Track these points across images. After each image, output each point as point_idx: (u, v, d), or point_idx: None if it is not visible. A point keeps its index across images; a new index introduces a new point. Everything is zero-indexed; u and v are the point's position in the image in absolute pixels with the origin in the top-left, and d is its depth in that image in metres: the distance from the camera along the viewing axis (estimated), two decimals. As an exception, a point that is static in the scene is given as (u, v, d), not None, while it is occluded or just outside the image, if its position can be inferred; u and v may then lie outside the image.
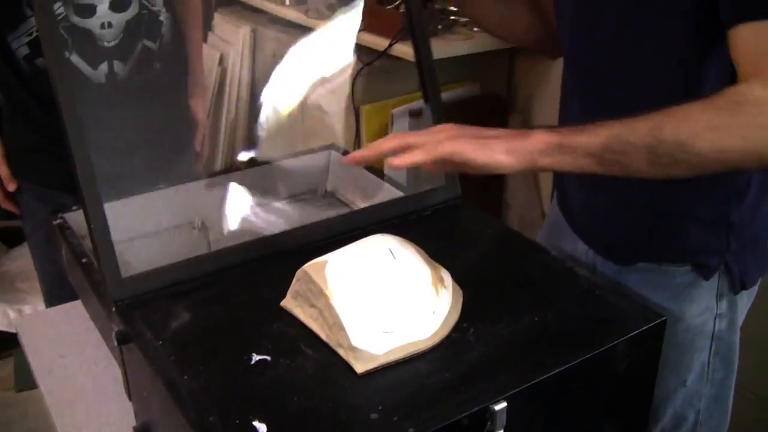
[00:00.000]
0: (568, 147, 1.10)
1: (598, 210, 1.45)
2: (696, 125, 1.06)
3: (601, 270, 1.46)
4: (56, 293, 1.88)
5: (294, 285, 1.13)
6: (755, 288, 1.44)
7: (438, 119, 1.45)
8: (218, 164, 3.60)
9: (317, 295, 1.07)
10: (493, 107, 3.11)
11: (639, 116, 1.09)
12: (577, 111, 1.43)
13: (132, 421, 1.25)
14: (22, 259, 3.46)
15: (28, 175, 1.89)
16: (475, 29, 2.84)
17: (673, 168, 1.08)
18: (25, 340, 1.53)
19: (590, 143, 1.09)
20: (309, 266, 1.10)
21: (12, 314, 3.02)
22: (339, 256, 1.11)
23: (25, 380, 1.48)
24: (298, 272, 1.12)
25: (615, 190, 1.39)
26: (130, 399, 1.25)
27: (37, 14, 1.18)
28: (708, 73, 1.22)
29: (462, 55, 2.87)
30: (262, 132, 3.34)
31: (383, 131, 2.94)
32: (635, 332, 1.11)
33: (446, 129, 1.16)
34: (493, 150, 1.09)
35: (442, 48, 2.84)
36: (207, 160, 3.46)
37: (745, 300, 1.43)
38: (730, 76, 1.17)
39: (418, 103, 2.94)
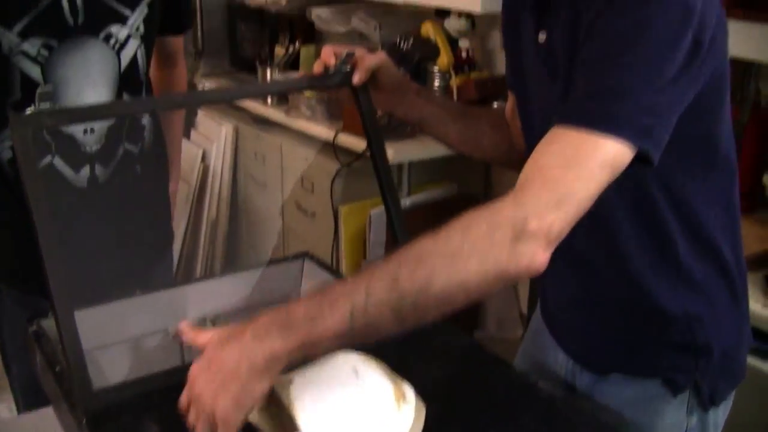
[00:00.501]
0: (310, 344, 1.03)
1: (576, 321, 1.48)
2: (431, 263, 1.03)
3: (580, 379, 1.48)
4: (31, 400, 1.90)
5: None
6: (730, 400, 1.46)
7: (399, 225, 1.48)
8: (198, 260, 3.64)
9: (282, 410, 1.11)
10: (468, 208, 3.17)
11: (377, 271, 1.05)
12: None
13: None
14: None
15: (8, 278, 1.92)
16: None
17: (423, 315, 1.05)
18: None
19: (331, 329, 1.02)
20: (276, 385, 1.13)
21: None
22: (304, 374, 1.14)
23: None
24: (265, 389, 1.15)
25: (592, 308, 1.43)
26: None
27: (13, 130, 1.23)
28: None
29: (439, 157, 2.95)
30: (242, 232, 3.41)
31: (362, 231, 2.99)
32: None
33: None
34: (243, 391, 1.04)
35: (419, 149, 2.93)
36: (187, 258, 3.52)
37: (720, 414, 1.45)
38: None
39: (396, 204, 3.01)
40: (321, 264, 1.75)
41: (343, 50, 1.49)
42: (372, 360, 1.20)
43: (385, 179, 1.55)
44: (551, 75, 1.30)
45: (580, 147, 1.07)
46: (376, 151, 1.55)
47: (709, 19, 1.16)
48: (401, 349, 1.35)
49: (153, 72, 2.15)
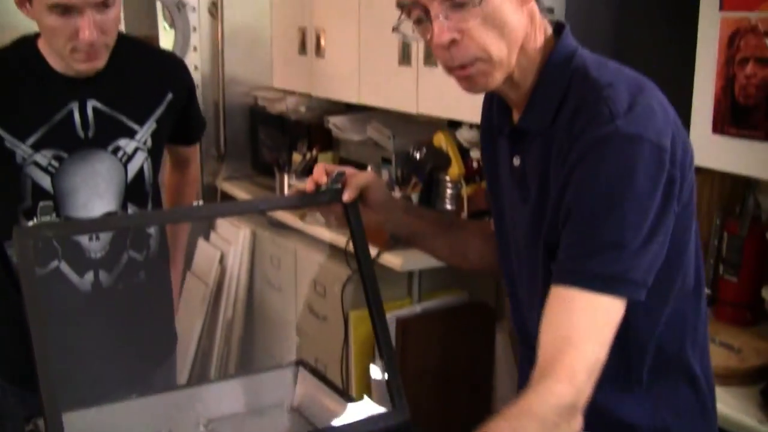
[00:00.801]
0: None
1: None
2: None
3: None
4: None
5: None
6: None
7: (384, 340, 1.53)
8: (213, 359, 3.69)
9: None
10: (481, 316, 3.21)
11: None
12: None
13: None
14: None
15: (10, 376, 1.98)
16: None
17: None
18: None
19: None
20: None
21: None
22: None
23: None
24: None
25: None
26: None
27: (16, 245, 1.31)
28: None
29: (449, 265, 2.99)
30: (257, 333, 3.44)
31: (371, 336, 3.01)
32: None
33: None
34: None
35: (429, 257, 2.95)
36: (202, 357, 3.57)
37: None
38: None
39: (407, 310, 3.05)
40: (314, 372, 1.79)
41: (335, 169, 1.57)
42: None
43: (372, 293, 1.60)
44: (522, 198, 1.36)
45: (597, 312, 1.21)
46: (363, 265, 1.60)
47: (680, 153, 1.22)
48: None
49: (167, 174, 2.25)
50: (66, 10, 1.73)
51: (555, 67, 1.33)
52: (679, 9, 2.36)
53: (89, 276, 1.94)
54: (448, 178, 3.16)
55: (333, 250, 3.23)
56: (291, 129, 3.99)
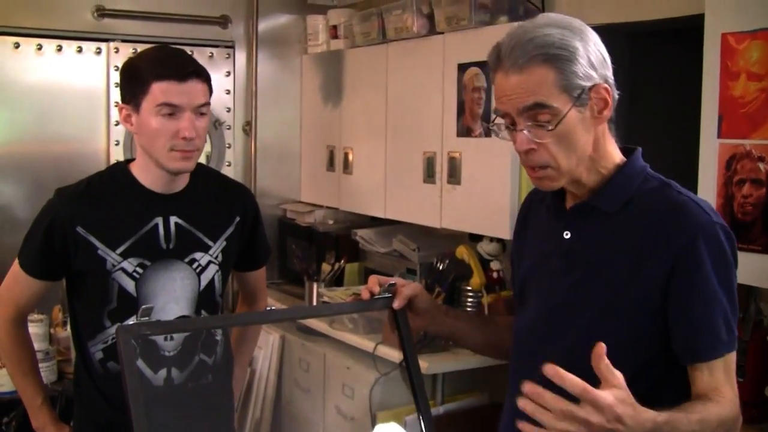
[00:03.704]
0: None
1: None
2: None
3: None
4: None
5: None
6: None
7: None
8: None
9: None
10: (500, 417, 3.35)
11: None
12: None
13: None
14: None
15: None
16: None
17: None
18: None
19: None
20: None
21: None
22: None
23: None
24: None
25: None
26: None
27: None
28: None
29: (470, 369, 3.19)
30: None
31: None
32: None
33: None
34: None
35: (452, 362, 3.17)
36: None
37: None
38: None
39: (432, 411, 3.21)
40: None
41: (387, 280, 1.81)
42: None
43: (419, 390, 1.80)
44: (569, 265, 1.63)
45: (729, 367, 1.56)
46: (411, 364, 1.81)
47: None
48: None
49: (238, 306, 2.50)
50: (171, 112, 2.01)
51: (632, 170, 1.64)
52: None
53: (162, 372, 2.16)
54: (469, 287, 3.37)
55: (361, 353, 3.41)
56: (319, 240, 4.21)
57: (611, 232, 1.61)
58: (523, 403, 1.34)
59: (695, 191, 2.38)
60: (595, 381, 1.51)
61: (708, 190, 2.39)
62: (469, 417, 3.29)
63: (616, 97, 1.59)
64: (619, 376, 1.36)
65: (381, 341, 3.28)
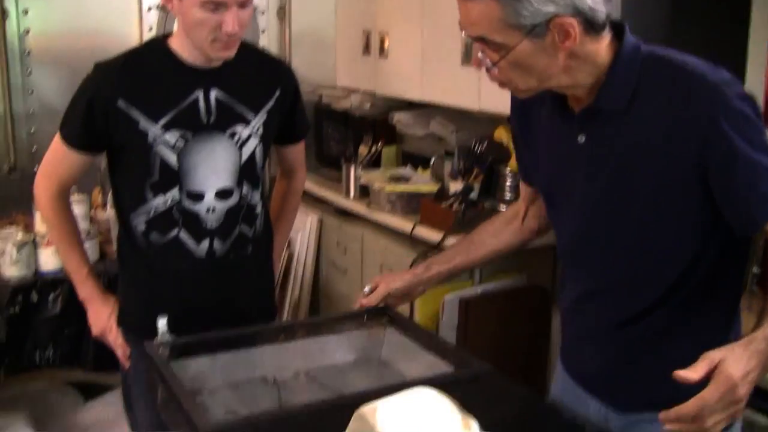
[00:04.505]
0: None
1: (614, 368, 1.70)
2: None
3: (615, 422, 1.69)
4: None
5: (351, 424, 1.42)
6: None
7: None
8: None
9: (369, 432, 1.36)
10: (538, 299, 3.39)
11: None
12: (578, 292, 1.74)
13: None
14: (96, 411, 3.75)
15: (135, 331, 2.22)
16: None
17: None
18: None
19: None
20: (364, 409, 1.39)
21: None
22: (388, 403, 1.40)
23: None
24: (355, 414, 1.41)
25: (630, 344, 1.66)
26: None
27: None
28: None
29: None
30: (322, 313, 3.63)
31: (435, 315, 3.22)
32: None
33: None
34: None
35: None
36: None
37: None
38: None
39: (469, 291, 3.25)
40: (403, 329, 2.01)
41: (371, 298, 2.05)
42: (443, 396, 1.44)
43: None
44: (593, 169, 1.59)
45: None
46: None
47: None
48: (468, 391, 1.59)
49: (277, 181, 2.51)
50: (216, 7, 1.99)
51: (626, 59, 1.55)
52: (732, 9, 2.54)
53: (205, 244, 2.19)
54: (508, 170, 3.35)
55: (398, 235, 3.44)
56: (355, 124, 4.20)
57: (627, 129, 1.55)
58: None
59: (742, 77, 2.34)
60: (645, 263, 1.54)
61: (757, 67, 2.33)
62: (506, 298, 3.32)
63: (600, 20, 1.50)
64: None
65: (419, 221, 3.29)
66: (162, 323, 1.88)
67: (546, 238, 3.11)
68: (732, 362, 1.33)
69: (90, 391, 3.91)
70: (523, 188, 1.98)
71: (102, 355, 2.86)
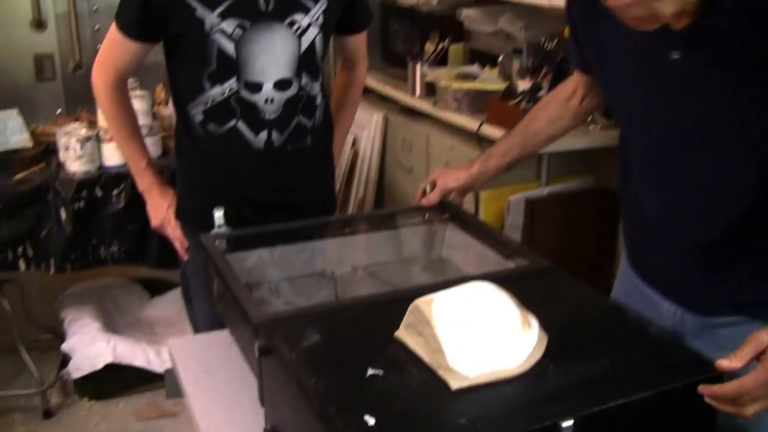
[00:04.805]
0: None
1: (695, 277, 1.61)
2: None
3: (690, 324, 1.62)
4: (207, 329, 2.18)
5: (406, 317, 1.37)
6: None
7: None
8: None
9: (424, 325, 1.32)
10: (606, 201, 3.30)
11: None
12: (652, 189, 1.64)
13: (263, 424, 1.50)
14: (161, 307, 3.82)
15: (192, 223, 2.20)
16: (590, 126, 3.08)
17: None
18: (176, 357, 1.82)
19: None
20: (419, 301, 1.35)
21: (151, 354, 3.34)
22: (444, 295, 1.35)
23: (174, 390, 1.77)
24: (410, 306, 1.36)
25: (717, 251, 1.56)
26: (263, 405, 1.50)
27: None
28: None
29: (578, 149, 3.10)
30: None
31: (500, 216, 3.17)
32: (690, 381, 1.30)
33: None
34: None
35: (558, 142, 3.07)
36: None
37: None
38: None
39: (535, 192, 3.18)
40: (464, 225, 1.95)
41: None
42: (503, 291, 1.39)
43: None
44: (687, 89, 1.47)
45: None
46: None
47: None
48: (529, 287, 1.54)
49: (338, 74, 2.44)
50: None
51: None
52: None
53: (263, 135, 2.14)
54: (578, 67, 3.24)
55: (464, 133, 3.36)
56: (422, 21, 4.08)
57: (733, 48, 1.39)
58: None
59: None
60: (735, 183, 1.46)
61: None
62: (573, 200, 3.24)
63: None
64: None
65: (485, 120, 3.21)
66: (218, 215, 1.85)
67: (615, 138, 3.04)
68: None
69: (156, 288, 3.97)
70: (579, 75, 1.88)
71: (166, 252, 2.87)
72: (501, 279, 1.49)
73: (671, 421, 1.30)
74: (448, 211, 2.00)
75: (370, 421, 1.18)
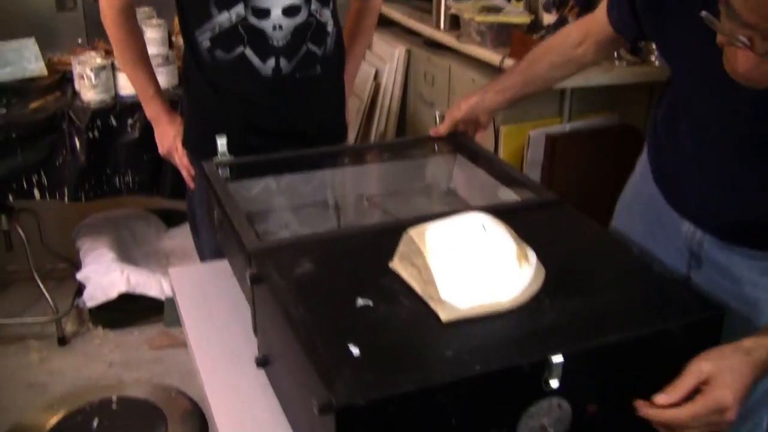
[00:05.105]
0: None
1: (718, 193, 1.53)
2: None
3: (708, 248, 1.57)
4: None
5: (400, 247, 1.33)
6: None
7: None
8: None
9: (416, 255, 1.28)
10: (629, 138, 3.23)
11: None
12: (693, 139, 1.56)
13: (256, 353, 1.48)
14: (177, 238, 3.81)
15: (198, 151, 2.17)
16: (616, 62, 3.00)
17: None
18: (176, 286, 1.80)
19: None
20: (412, 231, 1.31)
21: (164, 284, 3.34)
22: (438, 225, 1.31)
23: (173, 318, 1.76)
24: (404, 235, 1.32)
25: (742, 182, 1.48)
26: (256, 334, 1.47)
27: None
28: None
29: (602, 86, 3.02)
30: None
31: (520, 151, 3.11)
32: (690, 320, 1.26)
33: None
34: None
35: (582, 77, 2.99)
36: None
37: None
38: None
39: (557, 128, 3.11)
40: (471, 158, 1.90)
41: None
42: (500, 222, 1.34)
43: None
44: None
45: None
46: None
47: None
48: (534, 228, 1.48)
49: (351, 4, 2.37)
50: None
51: None
52: None
53: (271, 62, 2.08)
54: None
55: (487, 66, 3.28)
56: (449, -49, 3.97)
57: None
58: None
59: None
60: None
61: None
62: (595, 136, 3.17)
63: None
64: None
65: (508, 54, 3.13)
66: (221, 142, 1.81)
67: (642, 75, 2.97)
68: (726, 380, 1.20)
69: (172, 219, 3.96)
70: (601, 28, 1.75)
71: (180, 182, 2.84)
72: (504, 211, 1.46)
73: (667, 361, 1.25)
74: (459, 143, 1.95)
75: (355, 351, 1.15)
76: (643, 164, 1.79)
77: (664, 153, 1.68)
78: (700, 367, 1.22)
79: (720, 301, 1.35)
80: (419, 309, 1.25)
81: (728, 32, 1.19)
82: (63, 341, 3.40)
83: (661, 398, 1.22)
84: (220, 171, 1.78)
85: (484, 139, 3.19)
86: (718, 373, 1.21)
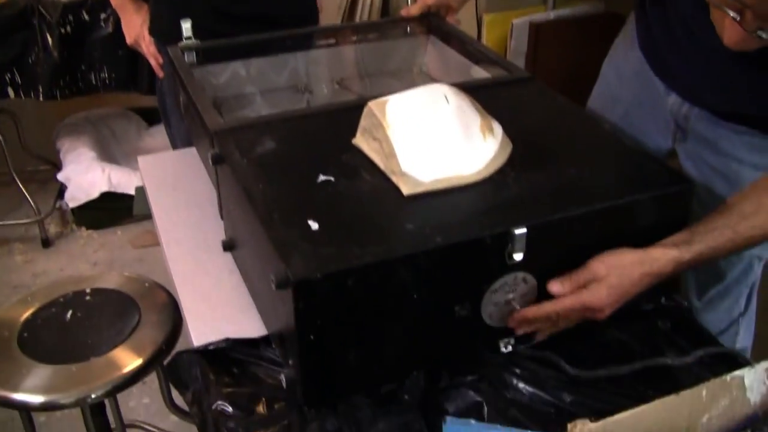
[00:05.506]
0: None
1: (707, 83, 1.47)
2: None
3: (695, 122, 1.52)
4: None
5: (362, 121, 1.30)
6: None
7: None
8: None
9: (377, 128, 1.24)
10: (616, 27, 3.15)
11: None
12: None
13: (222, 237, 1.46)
14: (158, 136, 3.75)
15: (165, 38, 2.10)
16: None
17: None
18: (145, 175, 1.77)
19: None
20: (372, 103, 1.27)
21: (146, 183, 3.31)
22: (399, 97, 1.27)
23: (143, 206, 1.73)
24: (365, 108, 1.28)
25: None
26: (222, 218, 1.45)
27: None
28: None
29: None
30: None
31: (503, 40, 3.04)
32: (657, 194, 1.23)
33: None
34: None
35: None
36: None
37: None
38: None
39: (541, 15, 3.03)
40: (445, 39, 1.85)
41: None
42: (464, 94, 1.30)
43: None
44: None
45: None
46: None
47: None
48: (503, 104, 1.44)
49: None
50: None
51: None
52: None
53: None
54: None
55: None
56: None
57: None
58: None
59: None
60: None
61: None
62: (581, 24, 3.09)
63: None
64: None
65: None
66: (186, 26, 1.75)
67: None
68: (611, 281, 1.18)
69: (154, 117, 3.89)
70: None
71: (157, 78, 2.79)
72: (472, 87, 1.41)
73: (634, 236, 1.22)
74: (432, 24, 1.89)
75: (314, 225, 1.12)
76: (631, 28, 1.72)
77: (652, 32, 1.62)
78: (595, 268, 1.19)
79: (702, 176, 1.31)
80: (381, 183, 1.22)
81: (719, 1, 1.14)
82: (47, 243, 3.38)
83: (553, 286, 1.20)
84: (186, 55, 1.73)
85: (466, 28, 3.14)
86: (606, 275, 1.18)
